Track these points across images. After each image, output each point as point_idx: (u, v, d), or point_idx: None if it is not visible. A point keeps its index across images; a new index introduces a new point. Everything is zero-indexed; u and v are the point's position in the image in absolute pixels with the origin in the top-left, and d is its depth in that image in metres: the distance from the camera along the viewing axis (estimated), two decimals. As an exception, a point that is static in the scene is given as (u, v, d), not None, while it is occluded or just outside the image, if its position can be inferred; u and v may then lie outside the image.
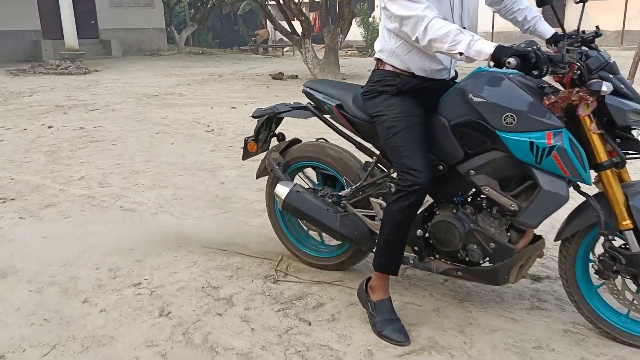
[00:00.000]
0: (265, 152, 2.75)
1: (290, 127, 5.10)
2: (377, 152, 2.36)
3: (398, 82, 2.10)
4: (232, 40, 24.40)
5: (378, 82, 2.15)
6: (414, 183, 2.00)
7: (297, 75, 11.55)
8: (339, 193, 2.48)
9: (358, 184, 2.38)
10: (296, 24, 11.33)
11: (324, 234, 2.78)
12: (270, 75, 11.76)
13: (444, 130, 2.11)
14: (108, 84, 10.87)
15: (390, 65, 2.13)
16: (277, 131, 2.80)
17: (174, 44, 20.62)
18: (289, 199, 2.47)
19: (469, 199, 2.23)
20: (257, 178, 2.87)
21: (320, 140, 2.71)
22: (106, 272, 2.74)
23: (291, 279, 2.67)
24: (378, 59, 2.18)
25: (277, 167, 2.65)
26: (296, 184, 2.56)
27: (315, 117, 2.59)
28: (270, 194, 2.79)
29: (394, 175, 2.31)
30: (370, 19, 19.41)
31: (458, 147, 2.09)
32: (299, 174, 2.81)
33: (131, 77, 11.95)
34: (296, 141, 2.74)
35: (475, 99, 1.99)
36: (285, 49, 20.99)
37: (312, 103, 2.51)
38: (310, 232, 2.85)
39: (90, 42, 17.68)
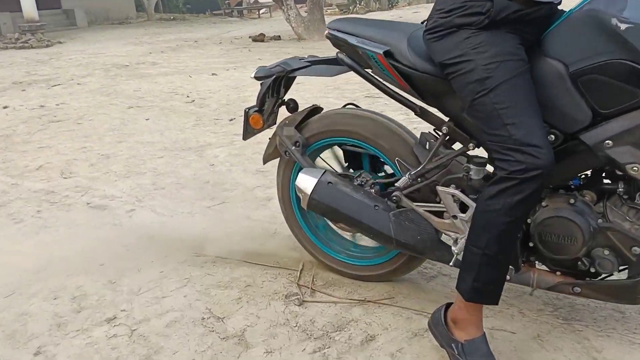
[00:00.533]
0: (275, 128, 2.01)
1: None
2: (447, 119, 1.63)
3: (489, 7, 1.36)
4: (205, 5, 23.04)
5: (455, 10, 1.40)
6: (530, 166, 1.28)
7: (279, 36, 10.63)
8: (392, 181, 1.75)
9: (420, 168, 1.66)
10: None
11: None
12: (250, 37, 10.82)
13: (559, 80, 1.38)
14: (73, 55, 9.87)
15: (473, -16, 1.38)
16: (286, 97, 2.05)
17: (143, 12, 19.34)
18: (318, 194, 1.75)
19: (586, 181, 1.53)
20: (264, 163, 2.13)
21: (349, 106, 1.97)
22: (68, 303, 2.00)
23: (321, 297, 1.97)
24: (451, -24, 1.43)
25: (293, 147, 1.91)
26: (326, 171, 1.82)
27: (321, 76, 1.87)
28: (284, 183, 2.07)
29: (472, 152, 1.60)
30: (351, -26, 18.32)
31: (583, 106, 1.37)
32: (320, 155, 2.08)
33: (98, 48, 10.92)
34: (316, 110, 2.00)
35: (624, 26, 1.26)
36: (261, 11, 19.85)
37: (343, 52, 1.75)
38: (339, 231, 2.14)
39: (52, 12, 16.35)
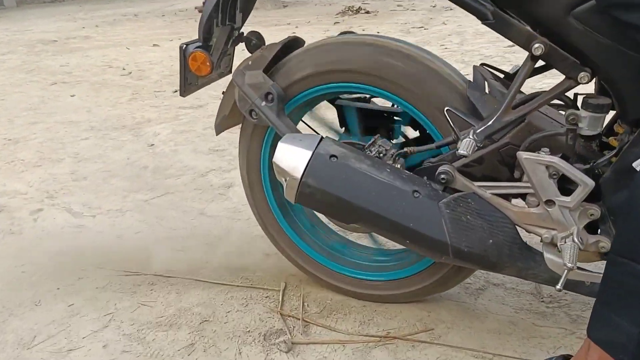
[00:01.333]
0: (232, 75, 1.28)
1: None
2: (543, 40, 0.94)
3: None
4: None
5: None
6: None
7: (228, 6, 9.73)
8: (427, 149, 1.06)
9: (491, 121, 0.97)
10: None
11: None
12: (196, 8, 9.88)
13: None
14: (-6, 34, 8.73)
15: None
16: (244, 29, 1.34)
17: (79, -11, 17.87)
18: (315, 176, 1.03)
19: None
20: (218, 132, 1.39)
21: (347, 34, 1.26)
22: None
23: (320, 333, 1.28)
24: None
25: (263, 103, 1.19)
26: (325, 138, 1.11)
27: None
28: (252, 161, 1.35)
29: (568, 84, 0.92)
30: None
31: None
32: (302, 119, 1.38)
33: (25, 25, 9.77)
34: (294, 44, 1.28)
35: None
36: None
37: None
38: (336, 229, 1.45)
39: (-26, -9, 14.85)
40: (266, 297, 1.42)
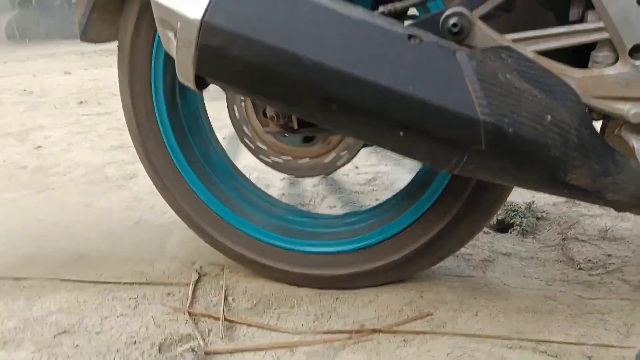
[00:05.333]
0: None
1: None
2: None
3: None
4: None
5: None
6: None
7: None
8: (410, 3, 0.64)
9: None
10: None
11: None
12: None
13: None
14: None
15: None
16: None
17: (-8, 38, 16.93)
18: (231, 12, 0.56)
19: None
20: (82, 37, 0.89)
21: None
22: None
23: (250, 337, 0.79)
24: None
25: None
26: None
27: None
28: (135, 69, 0.87)
29: None
30: None
31: None
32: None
33: None
34: None
35: None
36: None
37: None
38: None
39: None
40: (168, 294, 0.92)
